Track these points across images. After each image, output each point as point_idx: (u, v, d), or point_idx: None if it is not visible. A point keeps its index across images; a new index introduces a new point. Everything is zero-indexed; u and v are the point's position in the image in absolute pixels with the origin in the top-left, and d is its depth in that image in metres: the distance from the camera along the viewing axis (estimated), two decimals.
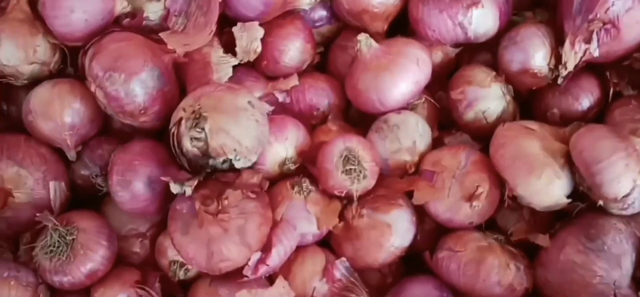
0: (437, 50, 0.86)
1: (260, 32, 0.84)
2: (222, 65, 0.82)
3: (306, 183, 0.77)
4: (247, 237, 0.71)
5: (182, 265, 0.80)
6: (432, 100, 0.84)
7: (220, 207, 0.72)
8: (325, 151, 0.77)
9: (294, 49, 0.86)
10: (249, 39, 0.83)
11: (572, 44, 0.77)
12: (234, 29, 0.84)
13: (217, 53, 0.83)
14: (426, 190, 0.76)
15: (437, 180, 0.76)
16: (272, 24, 0.85)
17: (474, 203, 0.75)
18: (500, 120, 0.81)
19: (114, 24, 0.82)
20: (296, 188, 0.77)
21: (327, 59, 0.92)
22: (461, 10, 0.79)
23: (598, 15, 0.75)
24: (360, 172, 0.76)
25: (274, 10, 0.83)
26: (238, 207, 0.72)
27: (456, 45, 0.85)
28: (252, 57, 0.85)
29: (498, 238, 0.77)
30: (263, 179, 0.76)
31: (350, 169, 0.76)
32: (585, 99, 0.80)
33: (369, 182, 0.77)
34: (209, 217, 0.72)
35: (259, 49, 0.84)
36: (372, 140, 0.80)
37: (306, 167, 0.80)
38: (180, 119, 0.73)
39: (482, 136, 0.81)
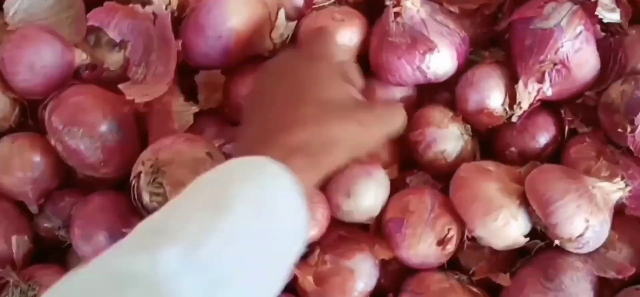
0: (398, 90, 0.87)
1: (221, 79, 0.84)
2: (184, 113, 0.83)
3: None
4: None
5: None
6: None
7: None
8: None
9: None
10: (211, 87, 0.84)
11: (526, 84, 0.78)
12: (196, 78, 0.84)
13: (178, 101, 0.83)
14: (386, 250, 0.77)
15: (407, 227, 0.76)
16: (234, 71, 0.85)
17: (447, 247, 0.75)
18: (460, 159, 0.82)
19: (74, 77, 0.82)
20: None
21: None
22: (418, 56, 0.79)
23: (548, 57, 0.76)
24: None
25: (233, 59, 0.84)
26: None
27: (418, 86, 0.85)
28: (214, 105, 0.85)
29: (460, 278, 0.77)
30: None
31: None
32: (542, 137, 0.81)
33: (316, 229, 0.77)
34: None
35: (220, 96, 0.85)
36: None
37: None
38: (140, 173, 0.73)
39: (442, 175, 0.82)
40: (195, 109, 0.84)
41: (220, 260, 0.49)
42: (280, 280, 0.57)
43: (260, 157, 0.56)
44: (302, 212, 0.57)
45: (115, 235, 0.77)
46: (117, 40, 0.83)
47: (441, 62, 0.81)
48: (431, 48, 0.79)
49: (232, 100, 0.86)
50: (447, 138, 0.82)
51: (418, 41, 0.79)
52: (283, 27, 0.84)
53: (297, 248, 0.58)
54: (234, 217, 0.51)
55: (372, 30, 0.86)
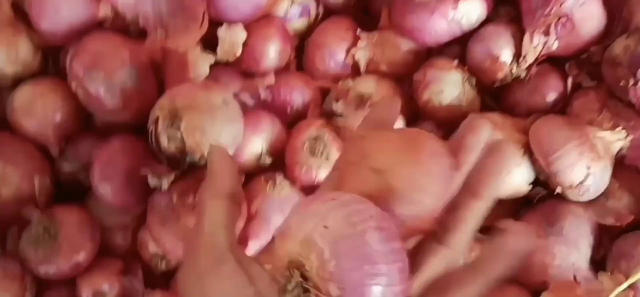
0: (407, 42, 0.89)
1: (243, 35, 0.87)
2: (200, 63, 0.85)
3: (280, 178, 0.80)
4: None
5: (163, 257, 0.84)
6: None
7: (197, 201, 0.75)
8: (297, 134, 0.81)
9: (273, 51, 0.89)
10: (232, 41, 0.87)
11: (531, 38, 0.80)
12: (219, 31, 0.87)
13: (195, 51, 0.86)
14: None
15: None
16: (252, 26, 0.88)
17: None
18: (456, 106, 0.84)
19: (95, 27, 0.85)
20: (270, 183, 0.80)
21: (302, 56, 0.95)
22: (451, 6, 0.81)
23: (553, 10, 0.78)
24: (324, 154, 0.79)
25: (258, 15, 0.87)
26: None
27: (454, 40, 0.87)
28: (231, 58, 0.88)
29: None
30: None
31: (316, 149, 0.79)
32: (551, 95, 0.83)
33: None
34: (185, 211, 0.75)
35: (239, 52, 0.87)
36: None
37: (281, 162, 0.83)
38: (157, 119, 0.75)
39: (438, 120, 0.85)
40: (211, 59, 0.86)
41: None
42: None
43: None
44: None
45: (133, 177, 0.80)
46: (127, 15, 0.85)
47: (473, 8, 0.83)
48: None
49: (248, 56, 0.88)
50: (446, 81, 0.84)
51: None
52: None
53: None
54: None
55: (388, 3, 0.89)
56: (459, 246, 0.46)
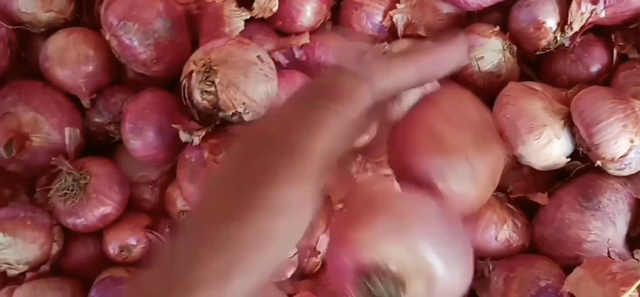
0: (448, 6, 0.87)
1: None
2: (235, 18, 0.83)
3: None
4: None
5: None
6: None
7: None
8: None
9: (310, 9, 0.87)
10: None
11: (579, 5, 0.77)
12: None
13: (229, 6, 0.84)
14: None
15: None
16: None
17: None
18: (494, 73, 0.82)
19: None
20: None
21: (338, 16, 0.93)
22: None
23: None
24: None
25: None
26: None
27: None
28: (267, 15, 0.86)
29: (498, 195, 0.78)
30: None
31: None
32: (595, 65, 0.81)
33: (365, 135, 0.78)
34: (216, 166, 0.74)
35: (276, 8, 0.85)
36: None
37: None
38: (191, 72, 0.74)
39: (475, 87, 0.83)
40: (246, 15, 0.84)
41: None
42: None
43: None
44: None
45: (164, 131, 0.79)
46: None
47: None
48: None
49: (285, 13, 0.87)
50: (486, 47, 0.82)
51: None
52: None
53: None
54: None
55: None
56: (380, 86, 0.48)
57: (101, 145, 0.88)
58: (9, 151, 0.80)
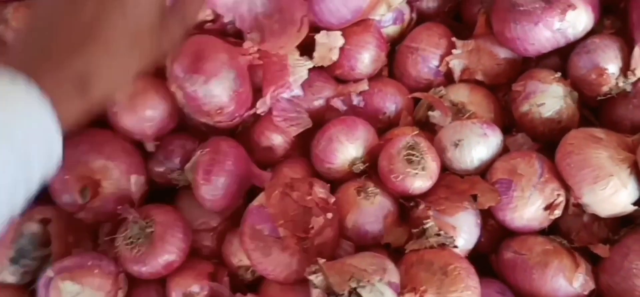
0: (505, 51, 0.87)
1: (341, 41, 0.87)
2: (298, 68, 0.85)
3: (371, 187, 0.79)
4: (325, 256, 0.73)
5: (248, 268, 0.84)
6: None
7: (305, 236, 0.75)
8: (393, 141, 0.80)
9: (368, 57, 0.89)
10: (329, 46, 0.87)
11: None
12: (317, 37, 0.86)
13: (293, 56, 0.86)
14: (490, 194, 0.77)
15: (515, 189, 0.76)
16: (348, 31, 0.87)
17: (555, 212, 0.76)
18: (555, 120, 0.82)
19: (195, 29, 0.85)
20: (362, 194, 0.79)
21: (393, 60, 0.94)
22: (557, 16, 0.80)
23: None
24: (421, 164, 0.78)
25: (356, 20, 0.86)
26: (318, 231, 0.75)
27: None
28: (327, 63, 0.88)
29: (562, 242, 0.77)
30: (329, 194, 0.78)
31: (412, 157, 0.78)
32: None
33: (427, 181, 0.79)
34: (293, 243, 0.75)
35: (336, 57, 0.87)
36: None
37: (373, 168, 0.82)
38: None
39: (534, 133, 0.83)
40: (309, 64, 0.86)
41: None
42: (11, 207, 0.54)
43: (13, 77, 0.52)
44: (52, 143, 0.54)
45: (235, 181, 0.82)
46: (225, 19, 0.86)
47: (580, 18, 0.81)
48: (569, 5, 0.79)
49: (344, 61, 0.88)
50: (547, 94, 0.82)
51: (552, 2, 0.80)
52: None
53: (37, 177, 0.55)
54: None
55: (486, 10, 0.88)
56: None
57: (163, 190, 0.90)
58: (84, 197, 0.82)
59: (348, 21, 0.86)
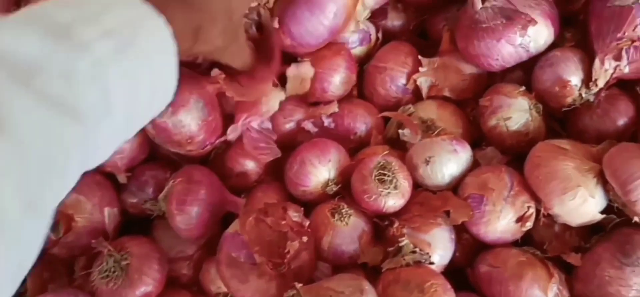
0: (470, 66, 0.89)
1: (311, 72, 0.88)
2: (270, 98, 0.87)
3: (345, 208, 0.80)
4: (302, 279, 0.74)
5: (227, 295, 0.83)
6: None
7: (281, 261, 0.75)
8: (364, 162, 0.81)
9: (339, 79, 0.90)
10: (301, 78, 0.88)
11: (602, 62, 0.79)
12: (288, 71, 0.88)
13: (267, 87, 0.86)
14: (462, 209, 0.78)
15: (487, 203, 0.77)
16: (319, 56, 0.89)
17: (526, 224, 0.77)
18: (522, 132, 0.83)
19: None
20: (336, 215, 0.80)
21: (362, 81, 0.95)
22: (518, 32, 0.81)
23: (626, 34, 0.77)
24: (393, 182, 0.79)
25: (333, 37, 0.88)
26: (294, 254, 0.76)
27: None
28: (300, 92, 0.89)
29: (535, 253, 0.79)
30: (304, 217, 0.79)
31: (384, 177, 0.79)
32: (621, 119, 0.82)
33: (400, 199, 0.79)
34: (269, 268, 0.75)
35: (308, 87, 0.89)
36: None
37: (346, 188, 0.83)
38: None
39: (503, 146, 0.85)
40: (282, 96, 0.87)
41: (116, 90, 0.50)
42: (142, 125, 0.58)
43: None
44: (173, 78, 0.57)
45: (208, 208, 0.82)
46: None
47: (540, 33, 0.82)
48: (529, 21, 0.81)
49: (315, 86, 0.89)
50: (513, 107, 0.83)
51: (513, 19, 0.81)
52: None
53: (163, 104, 0.59)
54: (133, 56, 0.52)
55: (450, 28, 0.89)
56: None
57: (138, 221, 0.89)
58: (57, 232, 0.81)
59: (325, 40, 0.87)
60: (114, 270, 0.80)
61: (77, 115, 0.47)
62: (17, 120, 0.43)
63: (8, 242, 0.42)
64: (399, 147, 0.88)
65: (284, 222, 0.76)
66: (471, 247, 0.82)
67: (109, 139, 0.54)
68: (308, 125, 0.89)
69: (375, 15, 0.97)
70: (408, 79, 0.91)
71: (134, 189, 0.88)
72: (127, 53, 0.51)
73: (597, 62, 0.79)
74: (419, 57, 0.91)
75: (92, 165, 0.53)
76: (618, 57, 0.78)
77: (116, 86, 0.50)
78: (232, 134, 0.85)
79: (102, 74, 0.48)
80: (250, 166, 0.88)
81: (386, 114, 0.90)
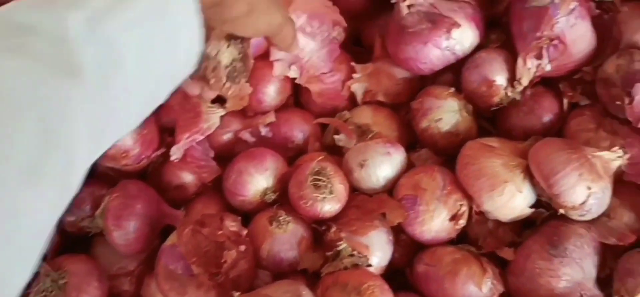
0: (402, 71, 0.91)
1: (249, 89, 0.88)
2: (211, 114, 0.87)
3: (283, 216, 0.81)
4: (241, 288, 0.75)
5: None
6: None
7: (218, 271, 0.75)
8: (301, 168, 0.82)
9: (274, 90, 0.91)
10: (240, 97, 0.88)
11: (524, 61, 0.81)
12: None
13: (206, 103, 0.87)
14: (397, 211, 0.80)
15: (420, 204, 0.79)
16: (254, 68, 0.89)
17: (459, 222, 0.79)
18: (453, 133, 0.86)
19: None
20: (274, 223, 0.80)
21: (298, 89, 0.96)
22: (444, 35, 0.83)
23: (545, 33, 0.80)
24: (328, 187, 0.80)
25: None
26: (231, 264, 0.76)
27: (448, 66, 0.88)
28: (239, 108, 0.89)
29: (470, 249, 0.80)
30: (241, 226, 0.80)
31: (319, 183, 0.80)
32: (547, 116, 0.84)
33: (336, 204, 0.81)
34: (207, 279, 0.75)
35: (246, 103, 0.89)
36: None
37: (284, 196, 0.84)
38: None
39: (436, 147, 0.87)
40: (221, 111, 0.88)
41: (122, 42, 0.49)
42: (167, 86, 0.58)
43: None
44: (195, 34, 0.57)
45: (146, 223, 0.82)
46: None
47: (465, 35, 0.85)
48: (453, 24, 0.83)
49: (252, 97, 0.90)
50: (443, 108, 0.85)
51: (438, 22, 0.83)
52: None
53: (189, 65, 0.60)
54: (139, 6, 0.51)
55: (381, 34, 0.91)
56: None
57: (77, 239, 0.89)
58: None
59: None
60: (51, 290, 0.79)
61: (75, 72, 0.46)
62: (8, 85, 0.43)
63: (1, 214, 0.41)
64: (338, 153, 0.89)
65: (220, 232, 0.77)
66: (410, 248, 0.83)
67: (127, 95, 0.52)
68: (245, 136, 0.90)
69: None
70: (342, 86, 0.93)
71: (71, 206, 0.86)
72: (129, 3, 0.49)
73: (519, 61, 0.82)
74: (353, 63, 0.93)
75: (113, 127, 0.52)
76: (539, 56, 0.81)
77: (122, 37, 0.49)
78: (175, 154, 0.85)
79: (100, 27, 0.47)
80: (188, 178, 0.88)
81: (321, 120, 0.91)
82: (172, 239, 0.78)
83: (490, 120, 0.90)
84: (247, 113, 0.91)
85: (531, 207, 0.78)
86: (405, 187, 0.81)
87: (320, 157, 0.84)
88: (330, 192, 0.80)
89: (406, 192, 0.80)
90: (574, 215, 0.76)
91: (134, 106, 0.54)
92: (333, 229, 0.80)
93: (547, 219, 0.79)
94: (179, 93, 0.84)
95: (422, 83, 0.91)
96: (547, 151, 0.75)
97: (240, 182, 0.83)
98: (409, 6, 0.84)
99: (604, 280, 0.77)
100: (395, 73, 0.91)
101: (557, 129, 0.85)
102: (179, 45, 0.56)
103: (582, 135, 0.81)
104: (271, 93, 0.91)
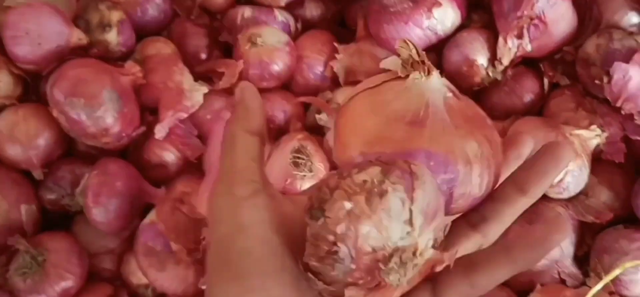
0: (384, 52, 0.90)
1: (240, 66, 0.89)
2: (194, 92, 0.87)
3: None
4: None
5: (148, 286, 0.84)
6: None
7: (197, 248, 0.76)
8: (281, 147, 0.82)
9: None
10: (231, 74, 0.89)
11: (505, 40, 0.81)
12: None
13: (188, 82, 0.87)
14: None
15: None
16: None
17: None
18: None
19: (72, 53, 0.85)
20: None
21: None
22: (425, 14, 0.83)
23: (525, 13, 0.79)
24: (308, 166, 0.80)
25: None
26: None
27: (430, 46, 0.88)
28: (227, 85, 0.89)
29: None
30: None
31: (298, 160, 0.80)
32: (528, 95, 0.84)
33: (315, 182, 0.80)
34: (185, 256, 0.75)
35: (234, 80, 0.89)
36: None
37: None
38: None
39: None
40: (205, 89, 0.87)
41: None
42: None
43: None
44: None
45: (127, 201, 0.81)
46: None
47: (446, 15, 0.84)
48: (434, 2, 0.83)
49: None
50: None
51: (419, 1, 0.83)
52: None
53: None
54: None
55: (363, 14, 0.91)
56: (492, 237, 0.45)
57: (57, 219, 0.89)
58: None
59: None
60: (30, 266, 0.79)
61: None
62: None
63: None
64: (320, 134, 0.89)
65: (199, 209, 0.77)
66: None
67: None
68: (227, 115, 0.90)
69: (293, 6, 0.98)
70: (325, 66, 0.93)
71: (51, 185, 0.86)
72: None
73: (500, 40, 0.82)
74: (335, 44, 0.93)
75: None
76: (520, 36, 0.81)
77: None
78: (160, 132, 0.84)
79: None
80: (169, 157, 0.88)
81: (304, 98, 0.91)
82: (151, 216, 0.78)
83: (475, 101, 0.90)
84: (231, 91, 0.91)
85: None
86: None
87: (300, 136, 0.84)
88: (310, 170, 0.80)
89: None
90: (552, 193, 0.76)
91: None
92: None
93: None
94: (161, 72, 0.85)
95: None
96: (525, 129, 0.75)
97: None
98: None
99: (582, 258, 0.77)
100: (378, 53, 0.91)
101: (537, 109, 0.85)
102: None
103: (562, 114, 0.81)
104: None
